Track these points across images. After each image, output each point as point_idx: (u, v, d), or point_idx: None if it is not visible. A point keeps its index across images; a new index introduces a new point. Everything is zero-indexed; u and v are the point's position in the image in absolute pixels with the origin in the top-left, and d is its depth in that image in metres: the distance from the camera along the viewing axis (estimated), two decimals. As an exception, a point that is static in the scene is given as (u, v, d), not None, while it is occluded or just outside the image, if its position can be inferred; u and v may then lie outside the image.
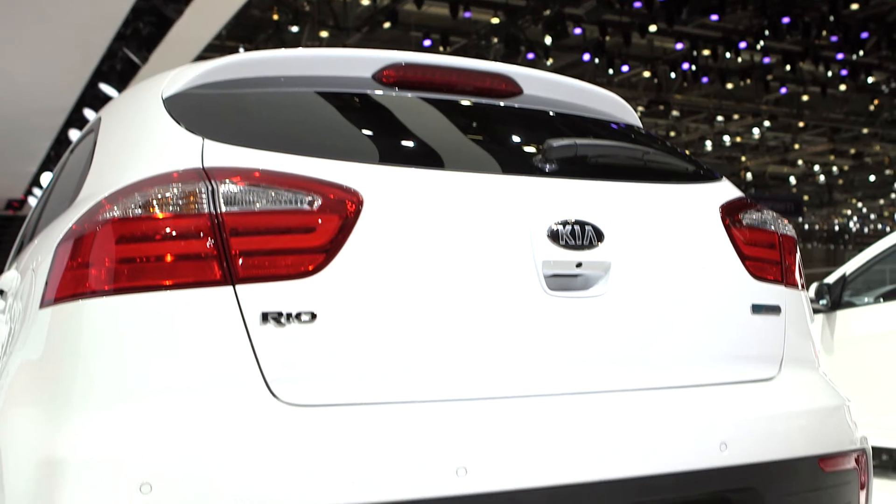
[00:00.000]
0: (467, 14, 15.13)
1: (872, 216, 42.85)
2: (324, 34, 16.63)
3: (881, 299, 6.28)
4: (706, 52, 17.69)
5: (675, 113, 22.72)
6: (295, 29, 16.56)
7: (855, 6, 16.05)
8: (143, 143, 2.02)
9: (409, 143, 2.17)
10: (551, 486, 1.84)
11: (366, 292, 1.83)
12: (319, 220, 1.82)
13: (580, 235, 2.02)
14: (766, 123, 23.79)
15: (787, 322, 2.32)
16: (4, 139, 14.44)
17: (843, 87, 20.79)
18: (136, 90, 2.37)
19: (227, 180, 1.80)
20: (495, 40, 16.58)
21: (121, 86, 11.97)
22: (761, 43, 17.04)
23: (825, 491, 2.22)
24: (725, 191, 2.39)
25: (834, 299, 6.26)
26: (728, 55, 17.44)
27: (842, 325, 6.24)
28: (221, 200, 1.78)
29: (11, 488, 1.72)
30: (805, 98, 22.07)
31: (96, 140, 2.27)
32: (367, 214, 1.86)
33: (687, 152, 2.62)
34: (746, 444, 2.08)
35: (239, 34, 16.40)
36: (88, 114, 12.90)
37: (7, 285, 2.31)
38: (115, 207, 1.77)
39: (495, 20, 16.18)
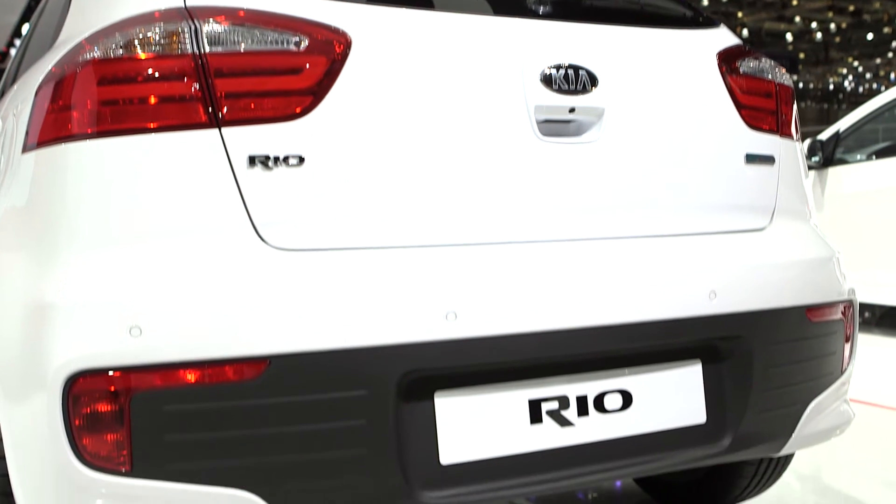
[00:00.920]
0: None
1: (868, 75, 42.45)
2: None
3: (873, 157, 6.26)
4: None
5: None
6: None
7: None
8: None
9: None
10: (540, 332, 1.85)
11: (354, 136, 1.80)
12: (306, 62, 1.77)
13: (574, 80, 1.98)
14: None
15: (781, 173, 2.31)
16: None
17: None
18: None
19: (211, 20, 1.74)
20: None
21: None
22: None
23: (811, 340, 2.25)
24: (723, 38, 2.33)
25: (826, 156, 6.25)
26: None
27: (833, 182, 6.24)
28: (205, 40, 1.72)
29: (0, 334, 1.72)
30: (805, -48, 21.53)
31: None
32: (356, 56, 1.81)
33: None
34: (735, 293, 2.09)
35: None
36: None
37: (-12, 132, 2.27)
38: (96, 48, 1.72)
39: None
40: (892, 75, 40.76)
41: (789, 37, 32.83)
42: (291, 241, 1.73)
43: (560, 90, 1.96)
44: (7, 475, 1.72)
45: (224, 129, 1.71)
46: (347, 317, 1.70)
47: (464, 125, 1.89)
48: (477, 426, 1.85)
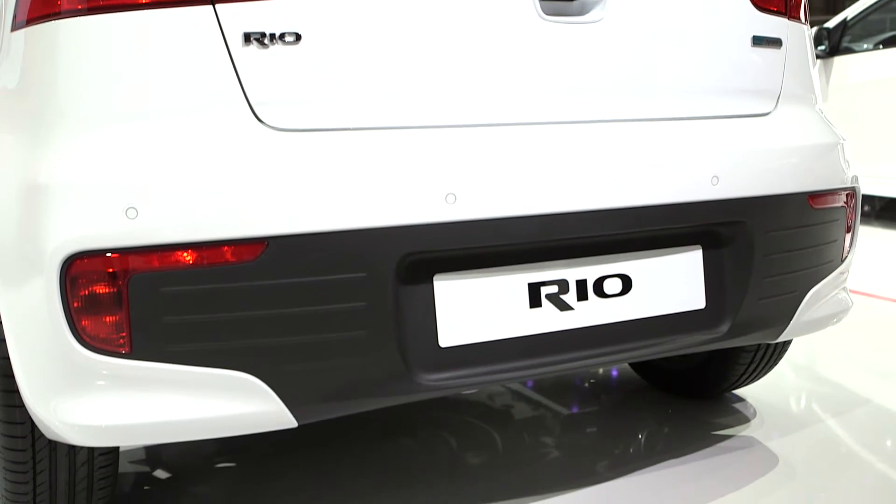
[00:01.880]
0: None
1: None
2: None
3: (880, 46, 6.16)
4: None
5: None
6: None
7: None
8: None
9: None
10: (541, 215, 1.84)
11: (351, 12, 1.75)
12: None
13: None
14: None
15: (788, 56, 2.26)
16: None
17: None
18: None
19: None
20: None
21: None
22: None
23: (812, 227, 2.24)
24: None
25: (833, 45, 6.15)
26: None
27: (839, 71, 6.16)
28: None
29: None
30: None
31: None
32: None
33: None
34: (738, 179, 2.07)
35: None
36: None
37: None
38: (84, -79, 1.66)
39: None
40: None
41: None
42: (289, 121, 1.70)
43: None
44: (8, 358, 1.72)
45: (218, 6, 1.66)
46: (346, 198, 1.68)
47: (465, 1, 1.84)
48: (476, 309, 1.85)
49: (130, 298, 1.59)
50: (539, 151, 1.86)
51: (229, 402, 1.67)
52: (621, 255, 1.99)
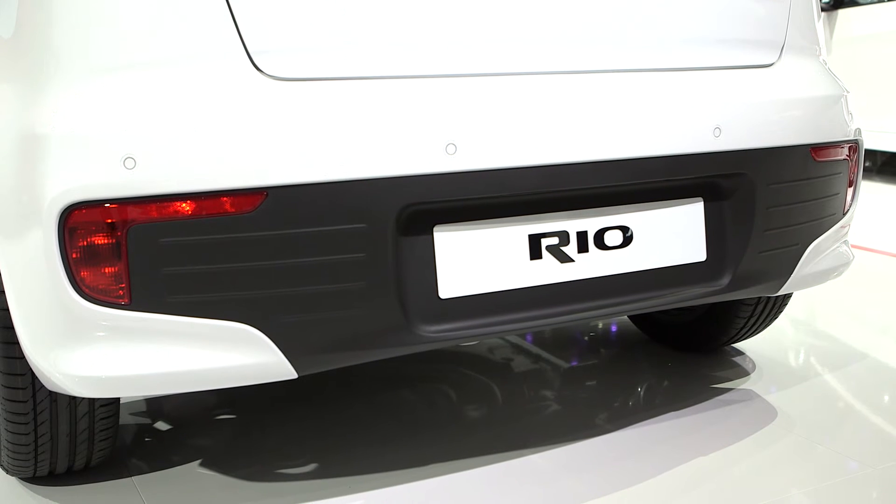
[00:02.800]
0: None
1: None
2: None
3: (885, -1, 6.10)
4: None
5: None
6: None
7: None
8: None
9: None
10: (541, 166, 1.82)
11: (351, -41, 1.72)
12: None
13: None
14: None
15: (792, 7, 2.24)
16: None
17: None
18: None
19: None
20: None
21: None
22: None
23: (814, 180, 2.22)
24: None
25: (838, -3, 6.09)
26: None
27: (843, 24, 6.10)
28: None
29: None
30: None
31: None
32: None
33: None
34: (740, 130, 2.05)
35: None
36: None
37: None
38: None
39: None
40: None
41: None
42: (287, 70, 1.68)
43: None
44: (7, 310, 1.72)
45: None
46: (345, 148, 1.67)
47: None
48: (476, 261, 1.84)
49: (129, 249, 1.58)
50: (539, 101, 1.85)
51: (229, 354, 1.67)
52: (622, 206, 1.98)
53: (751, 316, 2.70)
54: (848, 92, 2.34)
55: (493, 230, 1.86)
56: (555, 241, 1.91)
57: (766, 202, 2.11)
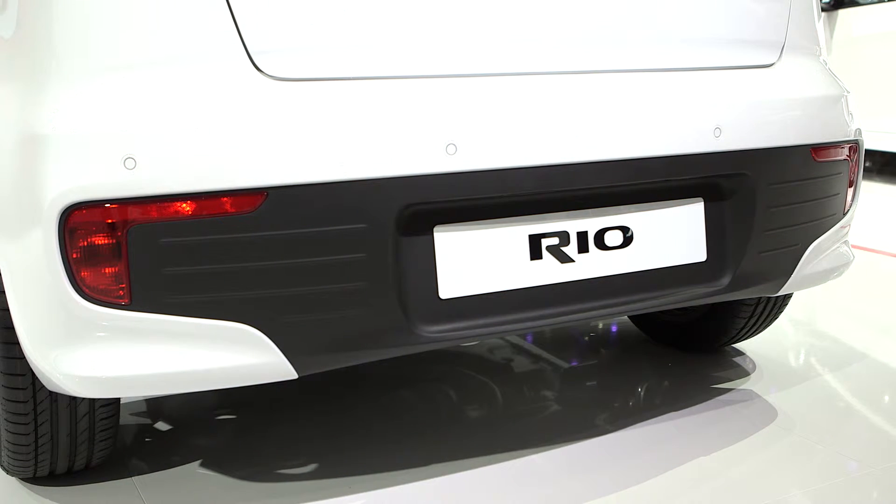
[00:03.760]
0: None
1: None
2: None
3: (885, -1, 6.11)
4: None
5: None
6: None
7: None
8: None
9: None
10: (542, 166, 1.83)
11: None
12: None
13: None
14: None
15: (792, 7, 2.24)
16: None
17: None
18: None
19: None
20: None
21: None
22: None
23: (815, 180, 2.23)
24: None
25: (838, -3, 6.09)
26: None
27: (843, 24, 6.10)
28: None
29: None
30: None
31: None
32: None
33: None
34: (741, 131, 2.06)
35: None
36: None
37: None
38: None
39: None
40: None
41: None
42: (287, 70, 1.68)
43: None
44: (8, 310, 1.72)
45: None
46: (346, 148, 1.67)
47: None
48: (476, 261, 1.84)
49: (129, 249, 1.58)
50: (540, 102, 1.85)
51: (229, 354, 1.67)
52: (623, 206, 1.98)
53: (751, 316, 2.69)
54: (848, 92, 2.34)
55: (493, 230, 1.86)
56: (555, 241, 1.91)
57: (766, 202, 2.11)
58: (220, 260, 1.62)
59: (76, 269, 1.59)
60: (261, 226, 1.63)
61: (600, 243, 1.96)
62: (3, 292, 1.75)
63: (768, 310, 2.69)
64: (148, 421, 2.47)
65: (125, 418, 2.45)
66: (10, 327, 1.74)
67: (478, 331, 1.87)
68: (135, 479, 2.12)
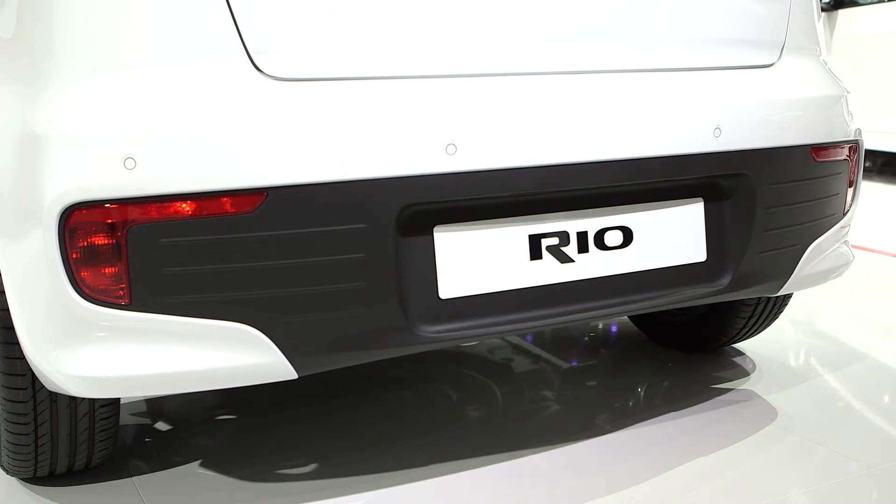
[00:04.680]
0: None
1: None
2: None
3: (885, -1, 6.11)
4: None
5: None
6: None
7: None
8: None
9: None
10: (542, 166, 1.83)
11: (351, -41, 1.72)
12: None
13: None
14: None
15: (792, 7, 2.24)
16: None
17: None
18: None
19: None
20: None
21: None
22: None
23: (815, 181, 2.22)
24: None
25: (838, -3, 6.09)
26: None
27: (843, 24, 6.10)
28: None
29: None
30: None
31: None
32: None
33: None
34: (741, 131, 2.06)
35: None
36: None
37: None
38: None
39: None
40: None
41: None
42: (287, 70, 1.68)
43: None
44: (8, 310, 1.72)
45: None
46: (346, 148, 1.67)
47: None
48: (476, 261, 1.84)
49: (129, 249, 1.58)
50: (540, 102, 1.85)
51: (229, 354, 1.68)
52: (622, 207, 1.98)
53: (751, 316, 2.70)
54: (848, 92, 2.34)
55: (493, 230, 1.86)
56: (555, 241, 1.91)
57: (766, 202, 2.11)
58: (220, 260, 1.62)
59: (76, 270, 1.59)
60: (261, 226, 1.63)
61: (600, 243, 1.96)
62: (3, 292, 1.75)
63: (768, 310, 2.70)
64: (148, 421, 2.47)
65: (125, 418, 2.45)
66: (10, 327, 1.74)
67: (478, 331, 1.87)
68: (135, 479, 2.12)
